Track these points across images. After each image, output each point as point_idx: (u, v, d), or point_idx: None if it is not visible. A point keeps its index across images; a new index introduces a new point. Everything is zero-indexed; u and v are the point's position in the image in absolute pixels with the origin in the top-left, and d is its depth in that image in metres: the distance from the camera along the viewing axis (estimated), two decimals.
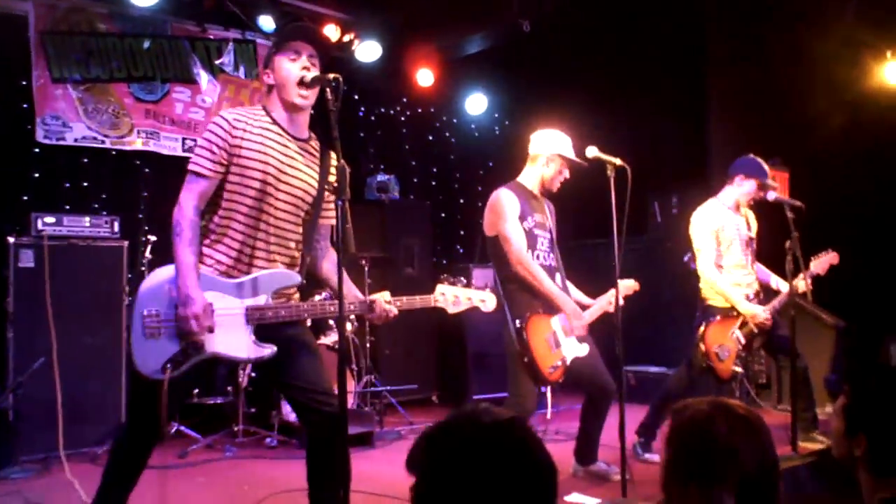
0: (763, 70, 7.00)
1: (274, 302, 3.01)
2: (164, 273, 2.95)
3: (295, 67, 3.01)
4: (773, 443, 1.77)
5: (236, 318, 2.94)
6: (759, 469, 1.70)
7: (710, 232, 5.05)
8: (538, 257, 4.31)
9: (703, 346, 4.92)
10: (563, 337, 4.24)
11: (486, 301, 3.36)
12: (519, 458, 1.39)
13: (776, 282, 5.20)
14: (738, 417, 1.75)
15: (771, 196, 5.01)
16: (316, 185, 3.14)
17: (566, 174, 4.45)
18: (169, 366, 2.86)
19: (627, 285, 4.46)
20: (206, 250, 2.99)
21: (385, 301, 3.12)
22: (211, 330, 2.89)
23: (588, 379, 4.41)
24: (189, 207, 2.92)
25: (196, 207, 2.93)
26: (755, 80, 7.08)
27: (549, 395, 5.03)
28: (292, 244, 3.11)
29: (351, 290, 3.15)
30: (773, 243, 5.02)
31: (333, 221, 3.22)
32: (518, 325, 4.11)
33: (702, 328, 4.97)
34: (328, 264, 3.29)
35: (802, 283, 4.86)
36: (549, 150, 4.39)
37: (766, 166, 5.13)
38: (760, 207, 5.26)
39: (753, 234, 5.24)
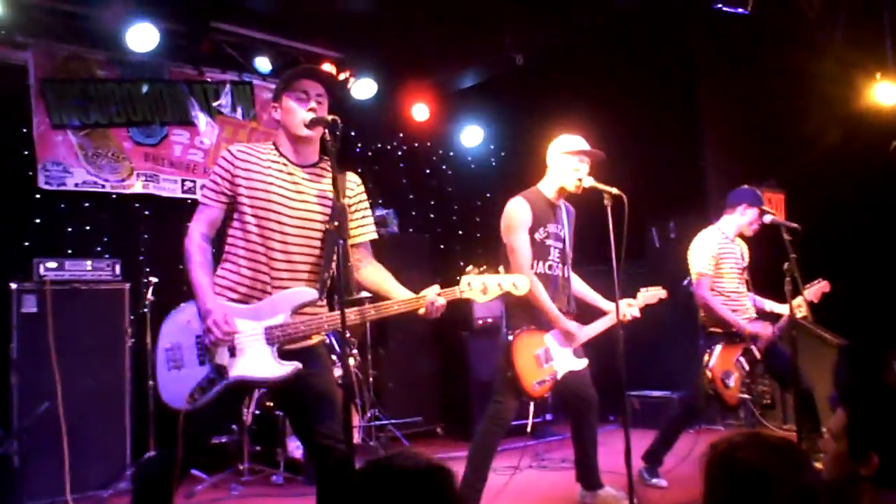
0: (756, 92, 7.06)
1: (294, 319, 3.04)
2: (183, 310, 3.04)
3: (302, 109, 3.09)
4: (812, 469, 1.73)
5: (256, 339, 2.99)
6: (796, 495, 1.67)
7: (709, 258, 5.10)
8: (549, 267, 4.38)
9: (709, 374, 4.94)
10: (557, 352, 4.30)
11: (518, 284, 3.21)
12: None
13: (771, 306, 5.25)
14: (769, 445, 1.73)
15: (767, 218, 5.05)
16: (330, 198, 3.14)
17: (583, 170, 4.36)
18: (196, 395, 2.91)
19: (653, 293, 4.61)
20: (220, 280, 3.08)
21: (436, 294, 3.12)
22: (233, 351, 2.94)
23: (571, 390, 4.45)
24: (196, 234, 3.07)
25: (203, 234, 3.08)
26: (748, 103, 7.15)
27: (531, 406, 4.91)
28: (306, 267, 3.13)
29: (397, 291, 3.19)
30: (769, 265, 5.05)
31: (370, 237, 3.37)
32: (506, 340, 4.20)
33: (707, 356, 5.00)
34: (369, 272, 3.30)
35: (801, 310, 4.87)
36: (556, 153, 4.43)
37: (759, 193, 5.25)
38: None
39: (747, 262, 5.31)
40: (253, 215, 3.06)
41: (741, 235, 5.29)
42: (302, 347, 3.08)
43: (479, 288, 3.16)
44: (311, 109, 3.08)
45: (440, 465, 1.46)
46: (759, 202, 5.19)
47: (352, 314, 2.99)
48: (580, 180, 4.31)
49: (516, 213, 4.33)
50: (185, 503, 5.04)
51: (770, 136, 6.95)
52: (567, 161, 4.39)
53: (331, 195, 3.15)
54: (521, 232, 4.29)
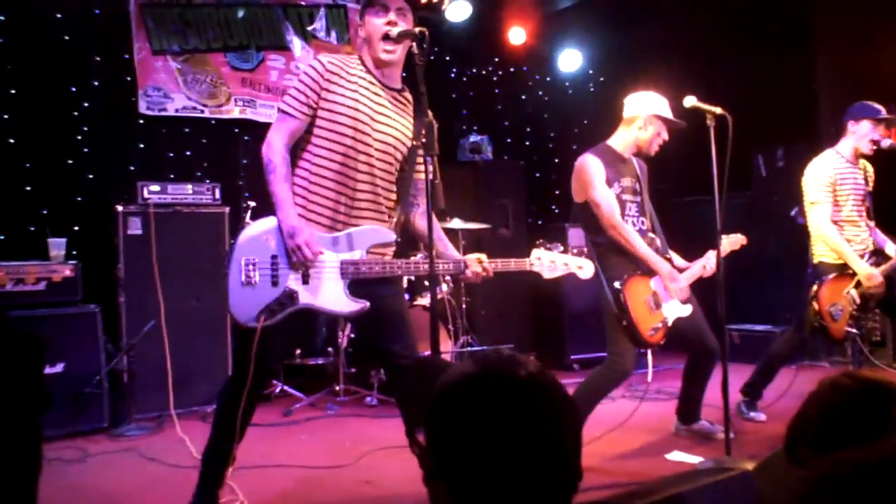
0: (874, 11, 6.57)
1: (368, 258, 3.02)
2: (263, 224, 3.02)
3: (380, 22, 3.00)
4: None
5: (331, 271, 2.97)
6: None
7: (826, 184, 4.79)
8: (629, 222, 4.21)
9: (815, 306, 4.69)
10: (663, 298, 4.13)
11: (584, 268, 3.31)
12: (523, 420, 1.22)
13: (892, 249, 4.90)
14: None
15: (885, 143, 4.74)
16: (410, 135, 3.14)
17: (665, 136, 4.31)
18: (263, 315, 2.91)
19: (734, 240, 4.32)
20: (301, 201, 3.02)
21: (478, 261, 3.11)
22: (306, 279, 2.94)
23: (690, 340, 4.29)
24: (279, 144, 2.99)
25: (286, 145, 3.00)
26: (865, 22, 6.65)
27: (649, 355, 4.94)
28: (389, 197, 3.12)
29: (447, 251, 3.16)
30: (888, 195, 4.74)
31: (423, 177, 3.22)
32: (616, 287, 4.01)
33: (815, 287, 4.74)
34: (423, 221, 3.26)
35: None
36: (647, 112, 4.25)
37: (879, 106, 4.82)
38: (875, 157, 4.96)
39: (870, 187, 4.96)
40: (341, 133, 2.99)
41: (864, 156, 4.91)
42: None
43: (548, 264, 3.22)
44: (389, 23, 2.98)
45: (547, 375, 1.30)
46: (871, 112, 4.77)
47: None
48: (661, 146, 4.31)
49: (589, 168, 4.16)
50: (282, 421, 5.22)
51: (889, 58, 6.46)
52: (657, 124, 4.26)
53: (411, 129, 3.11)
54: (599, 185, 4.12)
